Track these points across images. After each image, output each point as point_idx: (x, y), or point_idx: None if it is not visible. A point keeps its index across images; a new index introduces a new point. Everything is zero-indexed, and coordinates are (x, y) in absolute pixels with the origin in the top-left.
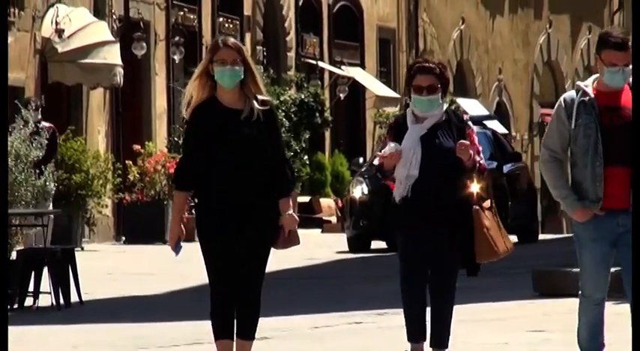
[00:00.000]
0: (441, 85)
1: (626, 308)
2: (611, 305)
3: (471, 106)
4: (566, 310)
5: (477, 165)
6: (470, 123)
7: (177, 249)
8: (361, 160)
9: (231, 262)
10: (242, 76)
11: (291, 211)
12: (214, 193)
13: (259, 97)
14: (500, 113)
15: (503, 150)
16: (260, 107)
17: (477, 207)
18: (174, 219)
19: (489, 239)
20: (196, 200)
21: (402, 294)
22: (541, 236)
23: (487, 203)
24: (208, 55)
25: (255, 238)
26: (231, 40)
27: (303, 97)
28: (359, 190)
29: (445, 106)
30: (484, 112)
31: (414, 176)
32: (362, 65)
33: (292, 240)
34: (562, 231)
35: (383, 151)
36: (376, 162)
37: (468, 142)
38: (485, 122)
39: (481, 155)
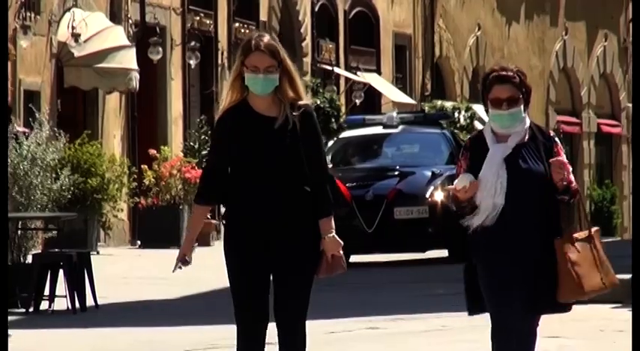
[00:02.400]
0: (522, 96)
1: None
2: (619, 311)
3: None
4: (582, 316)
5: (571, 186)
6: (557, 140)
7: (176, 267)
8: None
9: (263, 295)
10: (277, 84)
11: (333, 233)
12: (242, 213)
13: (298, 102)
14: None
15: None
16: (296, 114)
17: (560, 238)
18: (187, 237)
19: (574, 276)
20: (223, 221)
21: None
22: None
23: (581, 234)
24: (240, 57)
25: (291, 266)
26: (266, 40)
27: (318, 102)
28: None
29: (528, 121)
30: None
31: (500, 205)
32: (378, 71)
33: (336, 266)
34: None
35: (455, 183)
36: (441, 192)
37: (563, 160)
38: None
39: (571, 176)
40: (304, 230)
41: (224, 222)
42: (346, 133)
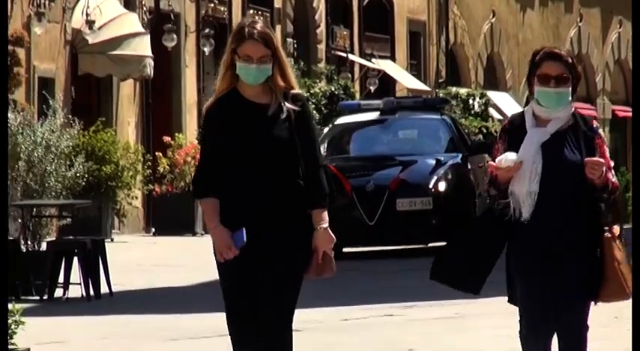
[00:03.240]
0: (572, 79)
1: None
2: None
3: (502, 100)
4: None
5: (610, 184)
6: (600, 131)
7: (238, 241)
8: None
9: (252, 293)
10: (270, 74)
11: (325, 225)
12: (232, 205)
13: (291, 92)
14: None
15: (464, 140)
16: (290, 104)
17: (608, 234)
18: (212, 222)
19: (620, 276)
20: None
21: None
22: None
23: (617, 229)
24: (231, 45)
25: (281, 264)
26: (259, 27)
27: (333, 89)
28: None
29: (572, 108)
30: (514, 105)
31: (534, 192)
32: (392, 58)
33: (325, 268)
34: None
35: (498, 160)
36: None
37: (601, 160)
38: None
39: (612, 171)
40: (295, 225)
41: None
42: (342, 120)
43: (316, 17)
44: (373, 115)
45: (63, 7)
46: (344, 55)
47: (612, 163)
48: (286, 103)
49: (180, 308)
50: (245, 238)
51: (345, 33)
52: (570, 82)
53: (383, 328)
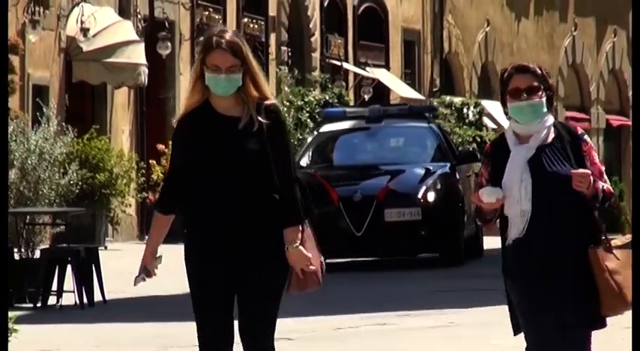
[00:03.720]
0: (544, 90)
1: None
2: None
3: (496, 109)
4: None
5: (601, 191)
6: (586, 137)
7: (138, 279)
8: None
9: (226, 310)
10: (240, 84)
11: (297, 244)
12: (202, 219)
13: (265, 102)
14: None
15: (452, 148)
16: (261, 117)
17: (594, 246)
18: (147, 248)
19: (613, 286)
20: (185, 230)
21: None
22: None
23: (624, 239)
24: (200, 54)
25: (255, 273)
26: (228, 36)
27: (327, 97)
28: None
29: (551, 120)
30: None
31: (527, 211)
32: (387, 67)
33: (309, 282)
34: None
35: (480, 193)
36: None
37: (586, 171)
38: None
39: (605, 177)
40: (271, 240)
41: (185, 230)
42: (327, 127)
43: (311, 25)
44: (359, 123)
45: (57, 15)
46: (338, 63)
47: (603, 168)
48: (258, 116)
49: (174, 316)
50: (139, 282)
51: (339, 41)
52: (542, 92)
53: (376, 337)
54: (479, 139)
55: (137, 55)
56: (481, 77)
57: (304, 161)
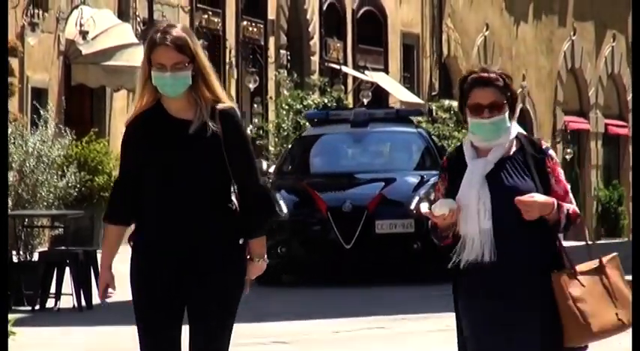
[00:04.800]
0: (507, 102)
1: None
2: None
3: None
4: None
5: (565, 216)
6: (551, 152)
7: (104, 299)
8: (264, 164)
9: (173, 332)
10: (189, 82)
11: (264, 258)
12: (154, 233)
13: (219, 105)
14: (524, 120)
15: (441, 155)
16: (215, 121)
17: (558, 272)
18: (103, 264)
19: (577, 315)
20: (131, 243)
21: None
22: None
23: (589, 264)
24: (145, 54)
25: (211, 299)
26: (173, 32)
27: (326, 101)
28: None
29: (515, 131)
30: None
31: (487, 231)
32: (385, 70)
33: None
34: (584, 238)
35: (433, 208)
36: (422, 212)
37: (530, 199)
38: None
39: (570, 196)
40: (227, 256)
41: (131, 243)
42: (309, 132)
43: (310, 29)
44: (343, 128)
45: (57, 18)
46: (337, 67)
47: (569, 187)
48: (212, 121)
49: None
50: (106, 298)
51: (338, 45)
52: (506, 106)
53: (373, 340)
54: None
55: (136, 58)
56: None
57: (286, 167)
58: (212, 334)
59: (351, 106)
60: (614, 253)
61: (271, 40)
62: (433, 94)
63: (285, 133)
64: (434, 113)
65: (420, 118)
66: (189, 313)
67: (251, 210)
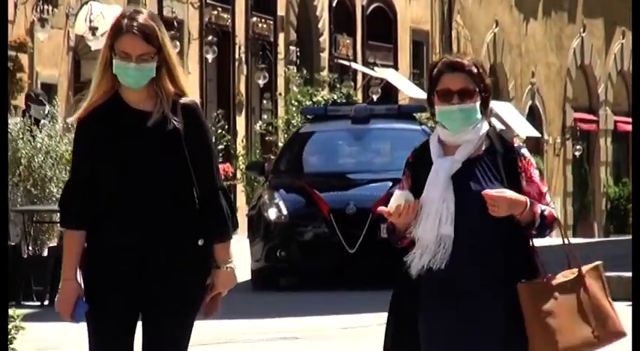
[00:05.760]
0: (479, 91)
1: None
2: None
3: (504, 110)
4: None
5: (540, 216)
6: (524, 151)
7: (77, 313)
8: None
9: (128, 337)
10: (153, 75)
11: (232, 265)
12: (112, 230)
13: (181, 99)
14: (533, 117)
15: None
16: (177, 116)
17: (527, 282)
18: (66, 274)
19: (543, 329)
20: (85, 244)
21: None
22: (573, 240)
23: (566, 273)
24: (108, 40)
25: (167, 307)
26: (141, 19)
27: (335, 97)
28: (274, 211)
29: (486, 127)
30: (517, 115)
31: (448, 236)
32: (395, 67)
33: (215, 306)
34: (593, 235)
35: (389, 205)
36: (377, 211)
37: (500, 194)
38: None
39: (547, 198)
40: (188, 255)
41: (85, 244)
42: (307, 128)
43: (319, 25)
44: (343, 124)
45: (66, 14)
46: (347, 63)
47: (545, 188)
48: (174, 115)
49: None
50: (81, 317)
51: (348, 41)
52: (477, 95)
53: (383, 336)
54: None
55: None
56: (489, 78)
57: (283, 165)
58: (170, 335)
59: (360, 102)
60: (598, 262)
61: (281, 37)
62: None
63: (295, 130)
64: None
65: (428, 115)
66: (146, 313)
67: (214, 213)
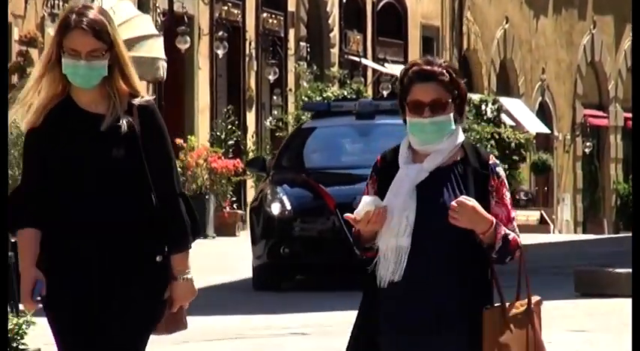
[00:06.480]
0: (453, 100)
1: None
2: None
3: (514, 106)
4: (607, 310)
5: (502, 239)
6: (499, 170)
7: (35, 293)
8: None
9: (88, 333)
10: (105, 73)
11: (190, 276)
12: (62, 244)
13: (136, 100)
14: (543, 113)
15: None
16: (133, 117)
17: (490, 308)
18: (24, 263)
19: None
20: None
21: None
22: (582, 236)
23: (519, 304)
24: (56, 36)
25: (119, 322)
26: (91, 14)
27: (345, 93)
28: (278, 206)
29: (461, 137)
30: (527, 111)
31: (404, 248)
32: (405, 63)
33: (177, 323)
34: (603, 231)
35: (356, 211)
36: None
37: (468, 202)
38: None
39: (514, 224)
40: (143, 268)
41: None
42: (311, 123)
43: (330, 21)
44: (348, 120)
45: None
46: (357, 59)
47: (514, 214)
48: (129, 117)
49: (191, 311)
50: (39, 294)
51: (358, 37)
52: (451, 105)
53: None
54: (497, 136)
55: (156, 49)
56: (500, 74)
57: (285, 161)
58: (120, 348)
59: (370, 98)
60: (538, 298)
61: (291, 32)
62: None
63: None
64: None
65: None
66: (97, 329)
67: (172, 221)
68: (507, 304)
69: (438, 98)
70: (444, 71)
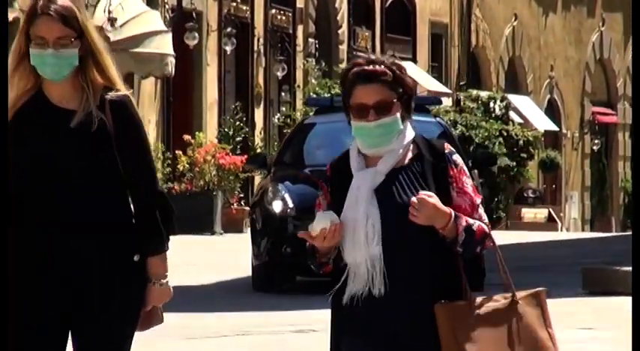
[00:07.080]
0: (399, 99)
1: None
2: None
3: (523, 103)
4: (615, 307)
5: (465, 231)
6: (456, 157)
7: None
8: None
9: (53, 336)
10: (75, 63)
11: (165, 280)
12: (33, 245)
13: (109, 94)
14: (552, 110)
15: (458, 148)
16: (105, 112)
17: (443, 303)
18: None
19: None
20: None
21: None
22: (590, 234)
23: (498, 298)
24: (23, 25)
25: (98, 327)
26: (59, 1)
27: None
28: (279, 204)
29: (411, 134)
30: (535, 109)
31: (378, 256)
32: (413, 60)
33: (153, 319)
34: (611, 229)
35: (310, 227)
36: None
37: (428, 198)
38: (429, 107)
39: (480, 211)
40: (118, 275)
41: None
42: (312, 119)
43: (338, 18)
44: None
45: (85, 4)
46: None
47: (479, 200)
48: (102, 111)
49: (200, 307)
50: None
51: (366, 34)
52: (397, 105)
53: None
54: (505, 134)
55: (164, 45)
56: (508, 71)
57: (286, 157)
58: (99, 346)
59: None
60: (540, 289)
61: (300, 29)
62: (461, 83)
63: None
64: (461, 103)
65: (447, 108)
66: (75, 343)
67: (148, 222)
68: (481, 298)
69: (382, 99)
70: (387, 70)
